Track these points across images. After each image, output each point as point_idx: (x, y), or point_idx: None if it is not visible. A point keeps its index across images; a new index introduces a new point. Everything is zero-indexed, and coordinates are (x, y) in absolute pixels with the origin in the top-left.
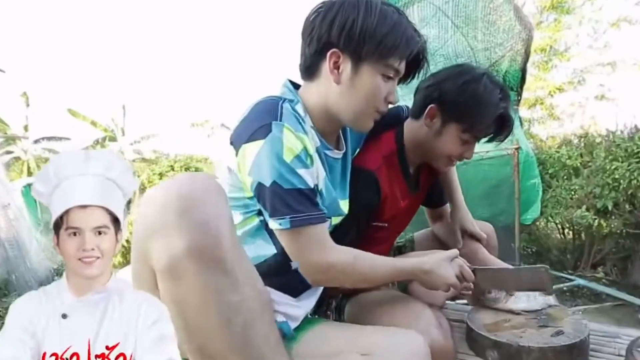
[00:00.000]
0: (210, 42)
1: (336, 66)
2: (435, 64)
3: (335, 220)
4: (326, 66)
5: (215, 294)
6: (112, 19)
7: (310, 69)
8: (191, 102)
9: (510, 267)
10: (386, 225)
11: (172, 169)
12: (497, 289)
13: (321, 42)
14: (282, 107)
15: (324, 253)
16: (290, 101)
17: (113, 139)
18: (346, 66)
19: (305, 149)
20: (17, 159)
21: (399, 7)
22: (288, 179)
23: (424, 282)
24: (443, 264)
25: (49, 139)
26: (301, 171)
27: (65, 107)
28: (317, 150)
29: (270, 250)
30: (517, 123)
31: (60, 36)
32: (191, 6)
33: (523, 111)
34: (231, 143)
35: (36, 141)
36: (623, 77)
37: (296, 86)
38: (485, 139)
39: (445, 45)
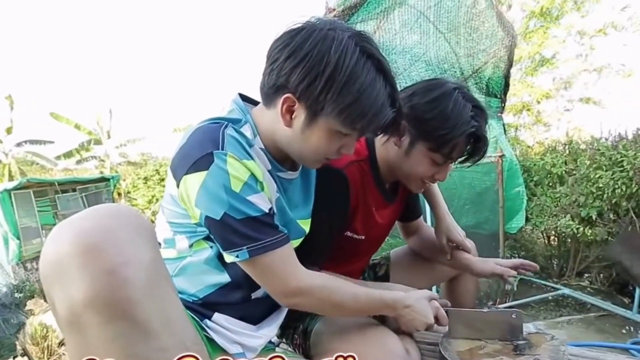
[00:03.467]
0: (196, 47)
1: (289, 111)
2: (417, 70)
3: (296, 242)
4: (280, 104)
5: (124, 347)
6: (98, 21)
7: (267, 98)
8: (178, 106)
9: (484, 310)
10: (363, 237)
11: (158, 173)
12: (469, 332)
13: (279, 81)
14: (223, 134)
15: (291, 277)
16: (237, 122)
17: (98, 142)
18: (300, 114)
19: (253, 175)
20: None
21: (385, 56)
22: (240, 209)
23: (402, 316)
24: (424, 302)
25: (33, 142)
26: (252, 198)
27: (49, 111)
28: (270, 173)
29: (223, 278)
30: (500, 130)
31: (46, 39)
32: (177, 12)
33: (510, 117)
34: (172, 172)
35: (19, 144)
36: (608, 83)
37: (250, 100)
38: (460, 159)
39: (427, 51)
